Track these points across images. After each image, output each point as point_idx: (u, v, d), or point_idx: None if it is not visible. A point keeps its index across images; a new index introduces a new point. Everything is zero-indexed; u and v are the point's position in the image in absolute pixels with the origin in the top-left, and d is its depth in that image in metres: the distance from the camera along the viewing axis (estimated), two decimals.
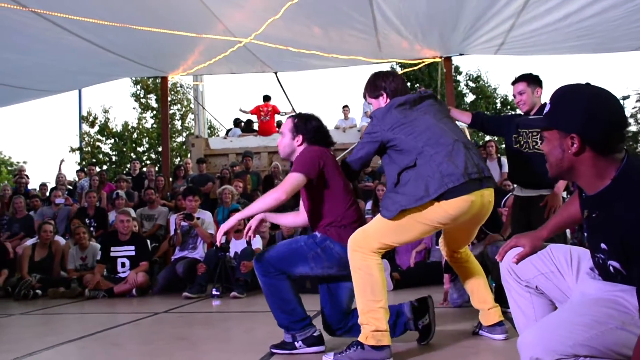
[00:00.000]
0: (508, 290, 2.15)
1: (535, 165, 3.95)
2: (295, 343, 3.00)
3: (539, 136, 3.96)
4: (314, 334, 3.02)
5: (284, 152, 3.22)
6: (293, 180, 2.91)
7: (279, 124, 12.20)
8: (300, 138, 3.16)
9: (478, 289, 3.25)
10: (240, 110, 13.22)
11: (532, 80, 4.03)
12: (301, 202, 3.23)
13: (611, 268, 1.78)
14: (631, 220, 1.62)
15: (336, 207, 3.01)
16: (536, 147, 3.98)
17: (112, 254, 6.60)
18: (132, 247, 6.61)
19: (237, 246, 6.37)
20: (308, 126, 3.17)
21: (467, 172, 2.70)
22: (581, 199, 1.95)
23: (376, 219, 2.83)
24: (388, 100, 3.07)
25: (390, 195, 2.78)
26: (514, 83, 4.09)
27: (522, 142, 4.07)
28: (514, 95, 4.08)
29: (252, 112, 12.86)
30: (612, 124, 1.75)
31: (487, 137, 25.39)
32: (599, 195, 1.79)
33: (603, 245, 1.77)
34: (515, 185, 4.35)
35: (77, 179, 11.44)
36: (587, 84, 1.82)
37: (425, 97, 3.02)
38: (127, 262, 6.56)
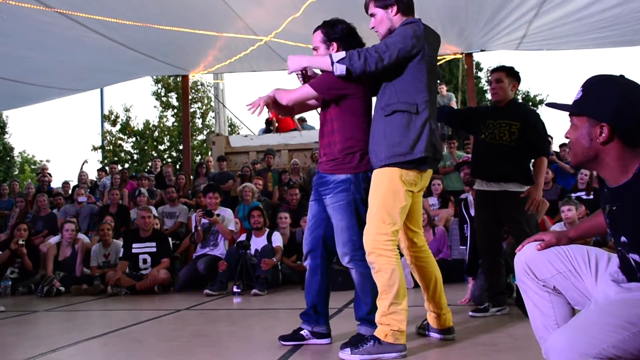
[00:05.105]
0: (524, 291, 2.06)
1: (497, 157, 3.89)
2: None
3: (507, 128, 3.90)
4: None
5: None
6: (305, 89, 2.96)
7: (302, 119, 12.35)
8: (335, 45, 3.05)
9: (435, 293, 3.15)
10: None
11: (511, 73, 4.03)
12: None
13: (632, 261, 1.76)
14: None
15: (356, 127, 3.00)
16: (504, 138, 3.90)
17: (133, 251, 6.64)
18: (154, 244, 6.65)
19: (257, 243, 6.38)
20: (337, 30, 3.07)
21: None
22: (602, 194, 1.91)
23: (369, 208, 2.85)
24: (400, 15, 2.90)
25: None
26: (493, 71, 4.09)
27: (487, 133, 3.97)
28: (490, 82, 4.06)
29: (272, 117, 12.97)
30: None
31: None
32: (620, 188, 1.77)
33: (623, 239, 1.76)
34: (476, 180, 4.18)
35: (97, 178, 11.54)
36: (622, 76, 1.80)
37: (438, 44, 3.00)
38: (149, 259, 6.60)
